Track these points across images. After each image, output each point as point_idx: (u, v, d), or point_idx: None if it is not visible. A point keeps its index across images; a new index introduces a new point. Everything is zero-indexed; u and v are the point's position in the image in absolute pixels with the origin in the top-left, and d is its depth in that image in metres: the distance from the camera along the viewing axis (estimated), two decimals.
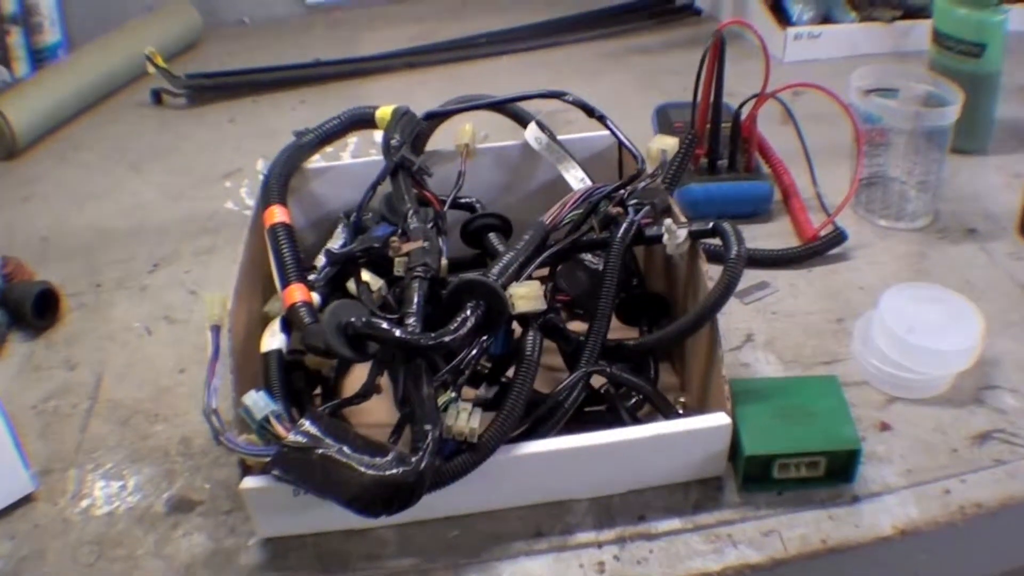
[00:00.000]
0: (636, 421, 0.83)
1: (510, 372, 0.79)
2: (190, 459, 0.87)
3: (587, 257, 0.92)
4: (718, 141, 1.14)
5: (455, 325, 0.74)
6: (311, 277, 0.87)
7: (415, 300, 0.76)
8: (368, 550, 0.78)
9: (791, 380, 0.89)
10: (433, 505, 0.74)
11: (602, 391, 0.85)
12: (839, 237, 1.06)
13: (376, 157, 0.96)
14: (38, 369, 0.99)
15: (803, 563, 0.76)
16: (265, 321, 0.87)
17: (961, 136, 1.14)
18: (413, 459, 0.70)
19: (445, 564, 0.77)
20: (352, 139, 1.31)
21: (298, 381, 0.85)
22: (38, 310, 1.03)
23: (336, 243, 0.93)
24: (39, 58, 1.64)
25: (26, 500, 0.84)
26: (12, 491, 0.84)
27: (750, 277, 1.05)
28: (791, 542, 0.76)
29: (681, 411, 0.84)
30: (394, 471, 0.69)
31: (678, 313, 0.90)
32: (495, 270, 0.79)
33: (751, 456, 0.78)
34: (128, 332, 1.03)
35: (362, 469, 0.69)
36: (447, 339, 0.73)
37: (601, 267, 0.85)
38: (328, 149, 1.01)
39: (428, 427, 0.71)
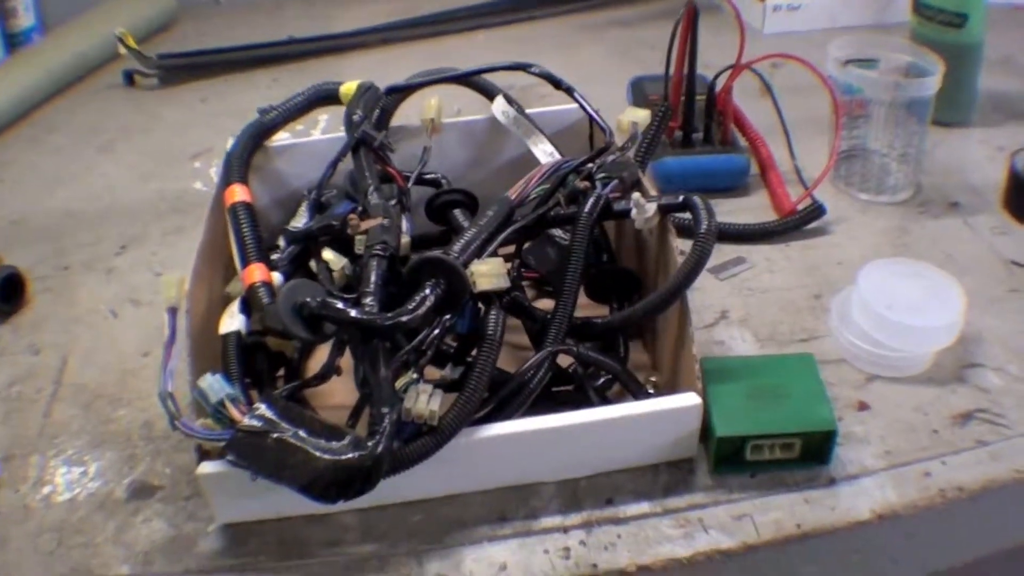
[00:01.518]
0: (605, 401, 0.81)
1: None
2: (151, 443, 0.85)
3: (556, 233, 0.90)
4: (692, 113, 1.11)
5: (413, 304, 0.71)
6: (274, 256, 0.85)
7: (372, 279, 0.74)
8: (329, 536, 0.76)
9: (765, 359, 0.86)
10: (395, 489, 0.72)
11: (570, 371, 0.83)
12: (818, 211, 1.04)
13: (343, 133, 0.93)
14: (3, 354, 0.97)
15: (776, 548, 0.73)
16: (225, 303, 0.85)
17: (943, 108, 1.11)
18: (370, 443, 0.67)
19: (407, 550, 0.75)
20: (324, 116, 1.28)
21: (260, 363, 0.83)
22: (3, 295, 1.01)
23: (299, 222, 0.90)
24: (13, 43, 1.61)
25: None
26: None
27: (726, 252, 1.03)
28: (764, 527, 0.73)
29: (652, 391, 0.82)
30: (350, 455, 0.67)
31: (649, 290, 0.88)
32: (456, 247, 0.77)
33: (722, 437, 0.75)
34: (94, 315, 1.01)
35: (317, 454, 0.67)
36: (404, 319, 0.70)
37: (569, 239, 0.82)
38: (298, 127, 0.98)
39: (385, 410, 0.69)
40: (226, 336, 0.79)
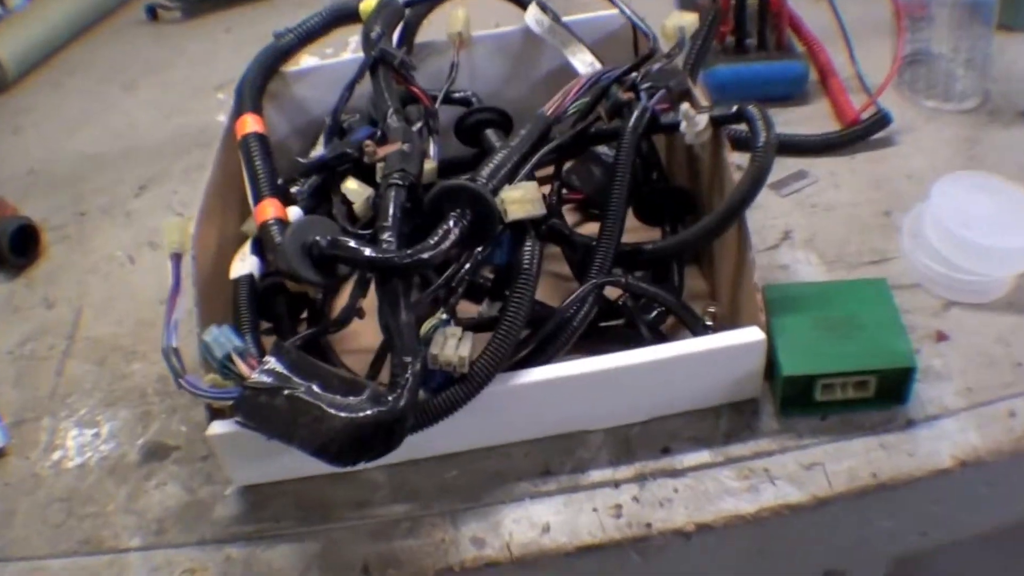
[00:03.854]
0: (659, 337, 0.70)
1: None
2: (167, 399, 0.75)
3: (602, 150, 0.78)
4: (744, 17, 0.97)
5: (435, 239, 0.59)
6: (294, 189, 0.73)
7: (390, 211, 0.62)
8: (356, 496, 0.66)
9: (834, 285, 0.73)
10: (428, 442, 0.62)
11: (619, 303, 0.70)
12: (883, 120, 0.89)
13: (359, 54, 0.80)
14: (16, 311, 0.87)
15: (850, 501, 0.62)
16: (243, 241, 0.73)
17: (1008, 11, 0.97)
18: (390, 397, 0.56)
19: (441, 510, 0.64)
20: (354, 38, 1.13)
21: (279, 307, 0.72)
22: (16, 247, 0.91)
23: (318, 151, 0.78)
24: None
25: None
26: None
27: (787, 166, 0.89)
28: (837, 477, 0.62)
29: (710, 323, 0.70)
30: (368, 412, 0.55)
31: (704, 210, 0.76)
32: (485, 171, 0.65)
33: (790, 377, 0.64)
34: (110, 262, 0.90)
35: (332, 411, 0.55)
36: (425, 256, 0.58)
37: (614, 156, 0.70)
38: (327, 50, 0.85)
39: (407, 359, 0.57)
40: (237, 281, 0.68)
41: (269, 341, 0.70)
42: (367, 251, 0.58)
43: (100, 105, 1.18)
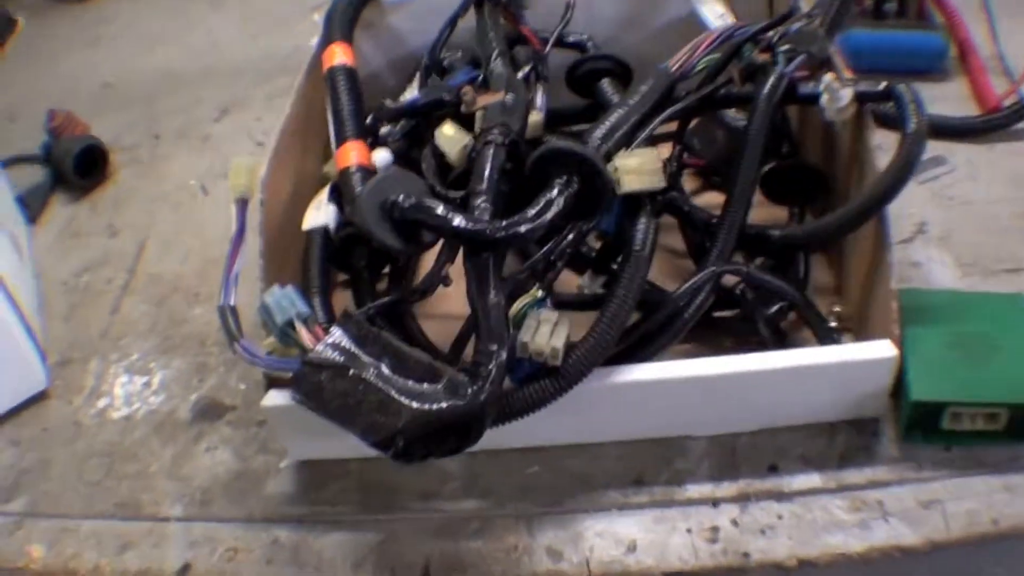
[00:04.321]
0: (777, 335, 0.62)
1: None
2: (227, 351, 0.66)
3: (728, 112, 0.69)
4: None
5: (536, 210, 0.52)
6: (384, 130, 0.65)
7: (486, 173, 0.54)
8: (423, 485, 0.59)
9: (971, 296, 0.64)
10: (509, 431, 0.54)
11: (736, 291, 0.62)
12: None
13: None
14: (77, 236, 0.82)
15: (966, 548, 0.54)
16: (324, 185, 0.66)
17: None
18: (470, 389, 0.48)
19: (516, 511, 0.57)
20: None
21: (358, 259, 0.65)
22: (82, 168, 0.85)
23: (415, 90, 0.70)
24: None
25: (39, 397, 0.68)
26: (21, 389, 0.68)
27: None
28: (955, 519, 0.54)
29: (834, 324, 0.62)
30: (442, 404, 0.48)
31: (839, 192, 0.66)
32: (598, 133, 0.57)
33: (918, 402, 0.56)
34: (181, 191, 0.84)
35: (401, 399, 0.48)
36: (523, 229, 0.51)
37: (744, 125, 0.62)
38: None
39: (493, 347, 0.50)
40: (310, 233, 0.61)
41: (345, 297, 0.63)
42: (456, 220, 0.50)
43: (183, 20, 1.12)
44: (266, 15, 1.08)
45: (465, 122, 0.62)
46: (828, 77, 0.60)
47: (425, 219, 0.51)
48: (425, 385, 0.49)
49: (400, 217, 0.51)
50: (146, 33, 1.11)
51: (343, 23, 0.69)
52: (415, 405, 0.48)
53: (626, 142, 0.57)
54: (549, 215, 0.51)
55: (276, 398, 0.55)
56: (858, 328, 0.62)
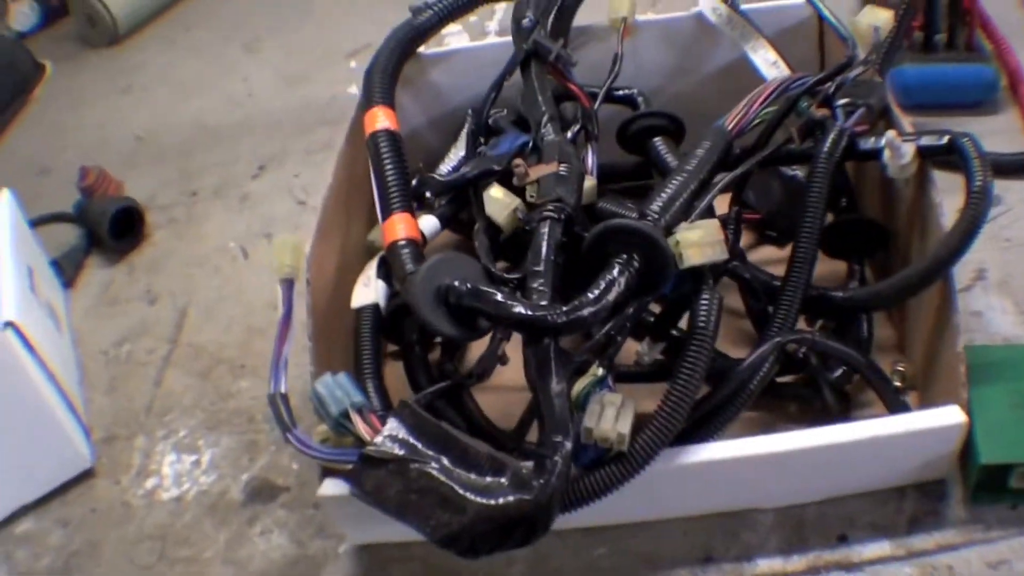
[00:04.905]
0: (842, 399, 0.61)
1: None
2: (277, 428, 0.66)
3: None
4: (936, 10, 0.85)
5: (597, 292, 0.50)
6: (429, 194, 0.64)
7: (543, 252, 0.53)
8: (489, 569, 0.58)
9: None
10: (574, 513, 0.52)
11: (798, 355, 0.60)
12: None
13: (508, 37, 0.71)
14: (115, 302, 0.81)
15: None
16: (369, 253, 0.65)
17: None
18: (535, 483, 0.47)
19: None
20: (500, 8, 1.03)
21: (409, 331, 0.63)
22: (117, 230, 0.84)
23: (460, 150, 0.70)
24: None
25: (84, 475, 0.67)
26: (66, 467, 0.67)
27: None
28: None
29: (899, 383, 0.61)
30: (509, 498, 0.47)
31: (900, 247, 0.65)
32: (656, 205, 0.55)
33: (987, 465, 0.55)
34: (221, 254, 0.83)
35: (466, 494, 0.47)
36: (585, 314, 0.49)
37: (801, 176, 0.62)
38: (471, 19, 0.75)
39: (558, 437, 0.48)
40: (359, 312, 0.60)
41: (396, 367, 0.62)
42: (516, 308, 0.49)
43: (218, 67, 1.11)
44: (301, 60, 1.08)
45: (510, 186, 0.61)
46: (891, 134, 0.58)
47: (484, 308, 0.49)
48: (488, 479, 0.47)
49: (456, 303, 0.50)
50: (179, 81, 1.11)
51: (383, 83, 0.68)
52: (480, 500, 0.47)
53: (686, 213, 0.55)
54: (611, 297, 0.50)
55: (332, 488, 0.54)
56: (923, 387, 0.62)
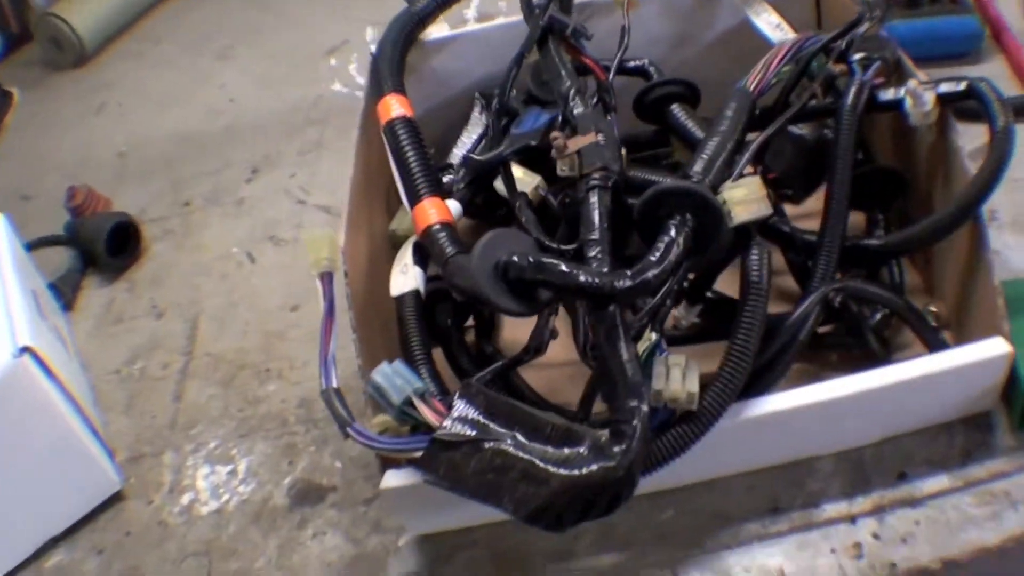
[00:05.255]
0: (883, 344, 0.61)
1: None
2: (314, 428, 0.67)
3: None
4: None
5: (658, 255, 0.50)
6: (446, 179, 0.65)
7: (596, 221, 0.52)
8: (557, 545, 0.57)
9: None
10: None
11: (839, 306, 0.60)
12: None
13: (512, 19, 0.72)
14: (119, 321, 0.79)
15: None
16: (392, 242, 0.64)
17: None
18: (616, 449, 0.47)
19: (658, 559, 0.56)
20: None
21: (442, 316, 0.63)
22: (114, 247, 0.82)
23: (472, 133, 0.70)
24: None
25: (113, 499, 0.65)
26: (94, 492, 0.65)
27: (972, 134, 0.77)
28: None
29: (935, 324, 0.62)
30: (593, 467, 0.46)
31: (919, 192, 0.66)
32: (698, 167, 0.56)
33: None
34: (225, 261, 0.81)
35: (549, 467, 0.46)
36: (650, 276, 0.49)
37: (808, 134, 0.62)
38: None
39: (634, 402, 0.48)
40: (401, 299, 0.59)
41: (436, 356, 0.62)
42: (581, 276, 0.48)
43: (193, 77, 1.08)
44: (279, 62, 1.06)
45: (528, 163, 0.62)
46: (912, 83, 0.60)
47: (549, 279, 0.49)
48: (567, 450, 0.47)
49: (517, 277, 0.49)
50: (155, 94, 1.08)
51: (392, 71, 0.67)
52: (563, 472, 0.46)
53: (727, 173, 0.55)
54: (672, 258, 0.50)
55: (394, 479, 0.53)
56: (957, 326, 0.62)
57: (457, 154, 0.68)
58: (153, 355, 0.74)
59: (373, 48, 0.70)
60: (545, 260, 0.49)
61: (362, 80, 0.95)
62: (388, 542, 0.59)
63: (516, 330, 0.66)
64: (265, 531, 0.61)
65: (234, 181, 0.88)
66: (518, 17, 0.71)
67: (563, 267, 0.49)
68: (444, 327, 0.63)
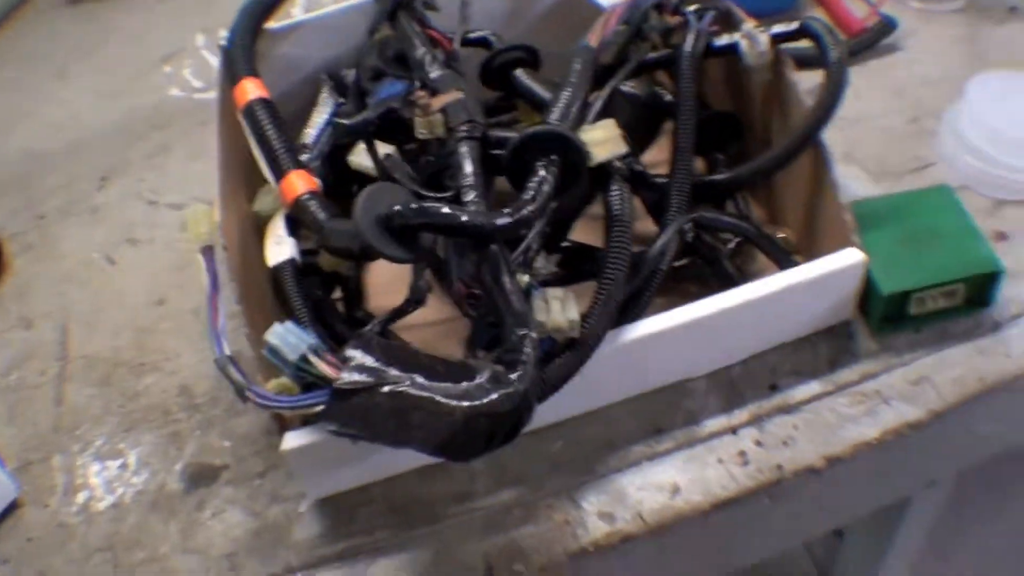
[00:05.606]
0: (739, 271, 0.63)
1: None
2: (197, 412, 0.64)
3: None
4: None
5: (531, 193, 0.50)
6: (303, 158, 0.63)
7: (468, 169, 0.52)
8: (454, 489, 0.57)
9: (902, 196, 0.67)
10: None
11: (689, 239, 0.62)
12: (888, 26, 0.83)
13: (345, 3, 0.72)
14: None
15: (962, 409, 0.58)
16: (256, 224, 0.63)
17: None
18: (513, 376, 0.47)
19: (555, 488, 0.56)
20: None
21: (312, 288, 0.61)
22: None
23: (323, 113, 0.68)
24: None
25: (9, 508, 0.60)
26: None
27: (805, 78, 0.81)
28: (946, 387, 0.59)
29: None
30: (494, 396, 0.46)
31: (755, 131, 0.68)
32: (555, 115, 0.56)
33: (889, 295, 0.59)
34: (87, 267, 0.77)
35: (451, 402, 0.46)
36: (527, 212, 0.49)
37: (639, 92, 0.64)
38: None
39: (523, 332, 0.48)
40: (279, 268, 0.57)
41: None
42: (464, 216, 0.48)
43: (32, 99, 1.01)
44: (116, 77, 1.00)
45: (381, 135, 0.61)
46: (748, 25, 0.62)
47: (432, 221, 0.48)
48: (465, 384, 0.46)
49: (402, 225, 0.49)
50: None
51: (245, 57, 0.65)
52: (466, 404, 0.46)
53: (582, 118, 0.57)
54: (544, 195, 0.50)
55: (294, 440, 0.51)
56: (805, 249, 0.64)
57: (310, 134, 0.66)
58: (28, 364, 0.69)
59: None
60: (428, 205, 0.49)
61: (198, 84, 0.94)
62: (289, 510, 0.57)
63: (380, 299, 0.66)
64: (165, 517, 0.58)
65: (85, 191, 0.84)
66: (345, 3, 0.71)
67: (446, 209, 0.49)
68: (316, 299, 0.61)
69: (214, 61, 0.95)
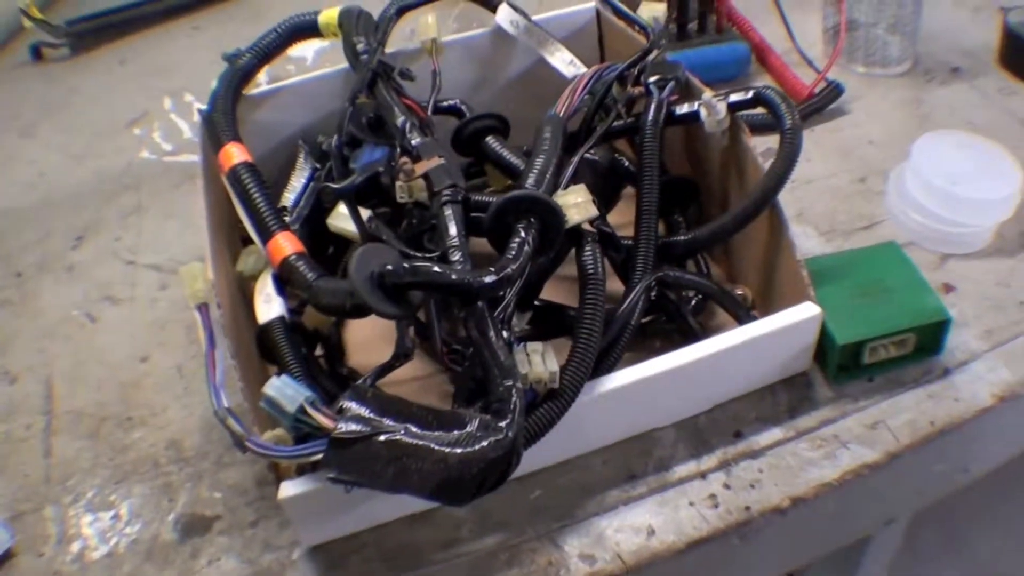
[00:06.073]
0: (701, 326, 0.69)
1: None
2: (186, 465, 0.67)
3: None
4: (687, 3, 0.95)
5: (513, 253, 0.56)
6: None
7: (453, 230, 0.58)
8: (440, 536, 0.61)
9: (853, 253, 0.73)
10: None
11: (653, 297, 0.67)
12: (836, 91, 0.91)
13: (329, 69, 0.77)
14: None
15: (917, 451, 0.64)
16: (241, 284, 0.67)
17: None
18: (502, 424, 0.52)
19: (537, 533, 0.60)
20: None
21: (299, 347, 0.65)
22: None
23: (301, 177, 0.73)
24: None
25: (4, 557, 0.63)
26: None
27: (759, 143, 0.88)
28: (900, 431, 0.64)
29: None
30: (484, 444, 0.51)
31: (714, 193, 0.74)
32: (531, 181, 0.62)
33: (845, 345, 0.65)
34: (67, 323, 0.81)
35: (444, 449, 0.51)
36: (510, 271, 0.55)
37: (601, 159, 0.71)
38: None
39: (509, 382, 0.54)
40: (269, 325, 0.62)
41: None
42: (453, 275, 0.53)
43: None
44: (82, 137, 1.05)
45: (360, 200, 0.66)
46: (706, 95, 0.68)
47: (423, 279, 0.53)
48: (456, 432, 0.51)
49: (394, 284, 0.54)
50: None
51: (228, 122, 0.70)
52: (459, 451, 0.51)
53: (556, 184, 0.62)
54: (524, 256, 0.55)
55: (291, 488, 0.55)
56: (763, 306, 0.70)
57: (289, 197, 0.71)
58: (14, 418, 0.72)
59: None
60: (419, 265, 0.54)
61: (169, 147, 0.98)
62: (282, 557, 0.60)
63: (360, 356, 0.71)
64: (160, 566, 0.61)
65: (61, 249, 0.87)
66: (320, 71, 0.77)
67: (436, 268, 0.54)
68: (304, 356, 0.66)
69: (183, 125, 1.01)
